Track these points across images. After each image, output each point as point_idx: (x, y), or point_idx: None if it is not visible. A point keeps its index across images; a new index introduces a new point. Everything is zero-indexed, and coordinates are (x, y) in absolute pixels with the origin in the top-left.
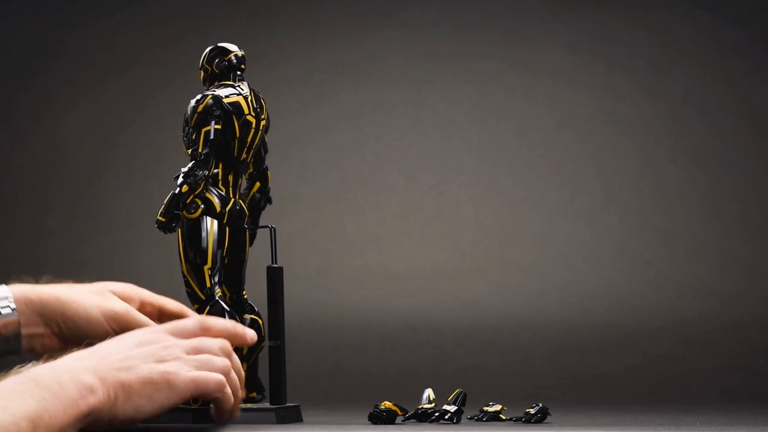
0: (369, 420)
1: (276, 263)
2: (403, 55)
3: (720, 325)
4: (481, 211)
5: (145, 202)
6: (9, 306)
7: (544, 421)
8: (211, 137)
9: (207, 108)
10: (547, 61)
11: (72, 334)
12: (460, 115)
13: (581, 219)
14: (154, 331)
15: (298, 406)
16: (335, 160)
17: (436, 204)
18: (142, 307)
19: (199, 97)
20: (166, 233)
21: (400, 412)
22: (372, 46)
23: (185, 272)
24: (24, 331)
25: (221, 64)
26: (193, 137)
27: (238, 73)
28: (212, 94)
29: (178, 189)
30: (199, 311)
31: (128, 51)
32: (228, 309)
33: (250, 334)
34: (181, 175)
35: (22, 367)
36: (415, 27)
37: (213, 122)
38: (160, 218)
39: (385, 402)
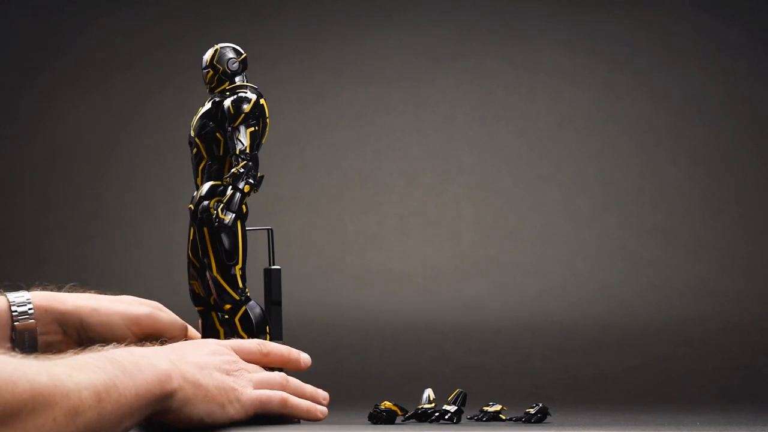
0: (369, 420)
1: (274, 264)
2: (403, 55)
3: (720, 326)
4: (481, 211)
5: (145, 202)
6: (28, 312)
7: (544, 421)
8: (257, 139)
9: (253, 109)
10: (547, 61)
11: (91, 341)
12: (460, 115)
13: (581, 219)
14: (220, 344)
15: None
16: (335, 160)
17: (436, 204)
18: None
19: (250, 96)
20: (222, 231)
21: (400, 412)
22: (372, 46)
23: (215, 274)
24: (41, 337)
25: (234, 64)
26: (238, 137)
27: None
28: (256, 97)
29: (241, 187)
30: (233, 312)
31: (128, 51)
32: (263, 308)
33: (304, 359)
34: (243, 175)
35: (102, 347)
36: (415, 27)
37: (254, 123)
38: (222, 216)
39: (385, 402)
